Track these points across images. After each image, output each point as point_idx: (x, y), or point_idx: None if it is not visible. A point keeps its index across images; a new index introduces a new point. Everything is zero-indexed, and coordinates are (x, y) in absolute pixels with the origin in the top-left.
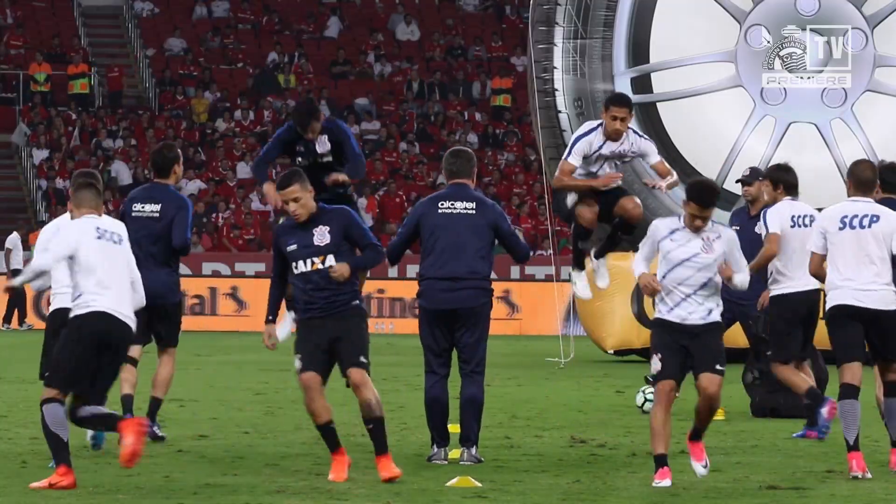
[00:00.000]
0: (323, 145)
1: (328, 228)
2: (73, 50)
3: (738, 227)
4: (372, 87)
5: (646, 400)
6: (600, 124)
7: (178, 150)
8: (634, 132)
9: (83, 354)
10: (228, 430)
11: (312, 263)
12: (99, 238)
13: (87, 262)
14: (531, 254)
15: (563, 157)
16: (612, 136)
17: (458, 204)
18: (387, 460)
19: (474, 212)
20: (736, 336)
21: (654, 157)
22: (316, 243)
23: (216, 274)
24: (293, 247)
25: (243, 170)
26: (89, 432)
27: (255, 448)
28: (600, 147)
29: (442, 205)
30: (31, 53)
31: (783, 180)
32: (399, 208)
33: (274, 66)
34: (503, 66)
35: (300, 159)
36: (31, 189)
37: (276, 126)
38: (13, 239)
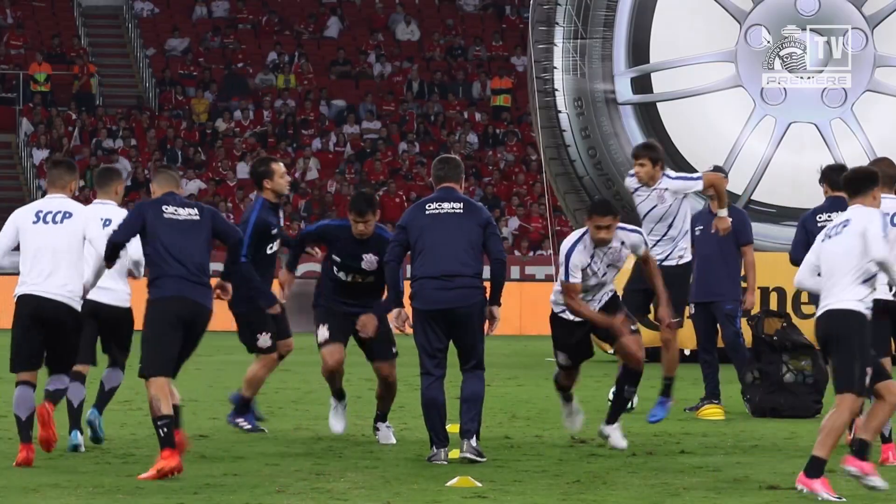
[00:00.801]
0: (370, 263)
1: None
2: (73, 50)
3: (702, 227)
4: (372, 87)
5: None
6: (584, 233)
7: (272, 166)
8: (621, 228)
9: (22, 336)
10: (228, 430)
11: None
12: (35, 223)
13: (24, 247)
14: (505, 263)
15: (562, 278)
16: (600, 244)
17: (446, 204)
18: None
19: (462, 211)
20: None
21: (643, 247)
22: None
23: (216, 274)
24: None
25: (243, 170)
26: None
27: (255, 448)
28: (591, 258)
29: (429, 206)
30: (31, 53)
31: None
32: (399, 208)
33: (273, 65)
34: (503, 66)
35: (341, 273)
36: (31, 189)
37: (275, 126)
38: None
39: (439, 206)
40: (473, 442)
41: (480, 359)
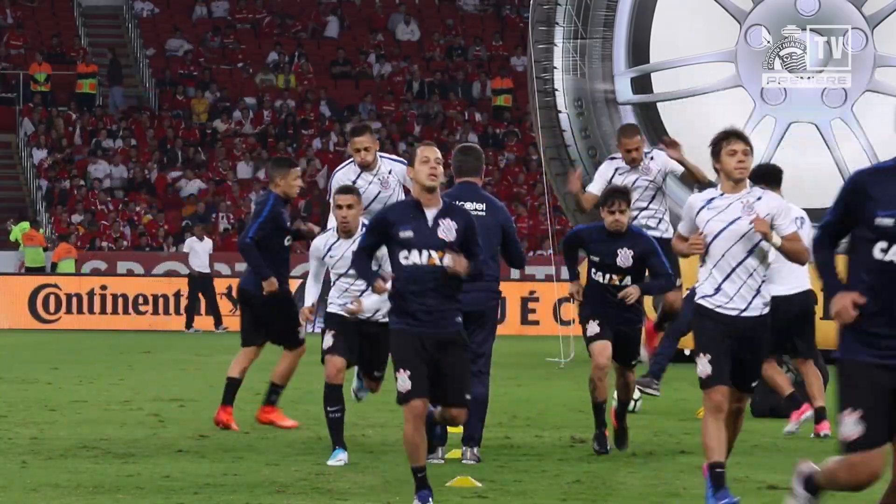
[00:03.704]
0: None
1: None
2: (73, 50)
3: None
4: (372, 87)
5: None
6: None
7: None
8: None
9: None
10: (228, 430)
11: None
12: None
13: None
14: (525, 263)
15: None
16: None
17: (469, 205)
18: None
19: (485, 213)
20: None
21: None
22: None
23: (216, 274)
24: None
25: (243, 170)
26: None
27: (255, 448)
28: None
29: None
30: (31, 53)
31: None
32: None
33: (273, 65)
34: (503, 66)
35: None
36: (31, 189)
37: (276, 126)
38: (189, 242)
39: (461, 206)
40: (476, 451)
41: (487, 362)
